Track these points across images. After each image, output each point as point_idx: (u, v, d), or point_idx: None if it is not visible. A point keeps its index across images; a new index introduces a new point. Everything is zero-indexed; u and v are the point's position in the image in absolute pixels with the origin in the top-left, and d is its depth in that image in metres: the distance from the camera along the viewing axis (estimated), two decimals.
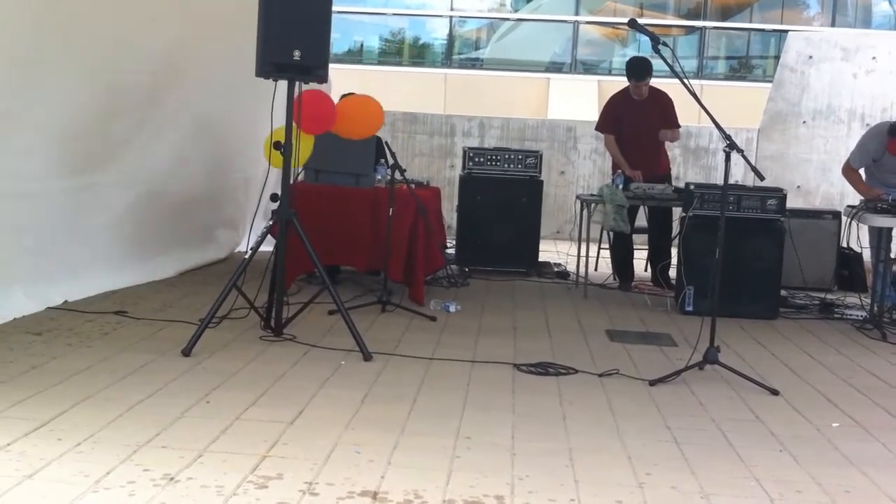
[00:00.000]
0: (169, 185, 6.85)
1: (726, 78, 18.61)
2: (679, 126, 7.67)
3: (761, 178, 4.88)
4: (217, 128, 7.25)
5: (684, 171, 10.62)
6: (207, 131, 7.17)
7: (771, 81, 11.38)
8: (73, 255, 5.82)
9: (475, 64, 18.96)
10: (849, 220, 6.56)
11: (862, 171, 6.98)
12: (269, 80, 4.97)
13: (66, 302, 5.59)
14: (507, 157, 8.04)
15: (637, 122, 7.50)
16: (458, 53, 19.14)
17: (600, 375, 4.70)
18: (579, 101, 16.30)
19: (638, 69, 7.42)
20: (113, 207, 6.26)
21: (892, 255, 6.40)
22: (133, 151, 6.36)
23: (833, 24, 17.94)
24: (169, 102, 6.56)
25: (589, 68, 18.49)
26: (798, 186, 10.23)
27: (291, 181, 5.11)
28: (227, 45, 6.54)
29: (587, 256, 7.24)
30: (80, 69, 5.55)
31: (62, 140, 5.59)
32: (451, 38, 18.96)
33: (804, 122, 10.42)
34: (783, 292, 6.89)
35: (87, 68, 5.62)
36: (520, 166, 8.00)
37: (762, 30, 19.02)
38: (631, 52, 17.73)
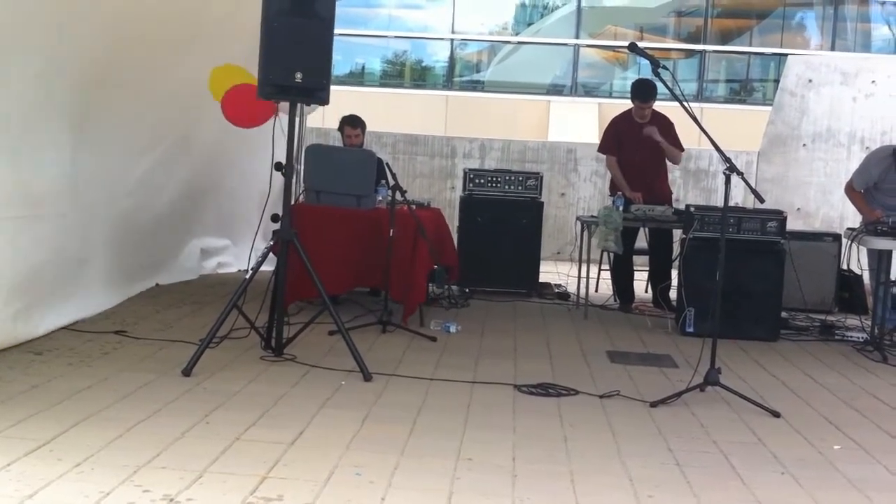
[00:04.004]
0: (153, 201, 6.91)
1: (726, 101, 18.69)
2: (682, 148, 7.68)
3: (761, 200, 4.89)
4: (202, 146, 7.32)
5: (684, 194, 10.66)
6: (194, 150, 7.25)
7: (771, 105, 11.43)
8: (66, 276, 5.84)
9: (476, 86, 19.05)
10: (849, 242, 6.57)
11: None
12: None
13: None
14: (507, 178, 8.06)
15: (638, 145, 7.51)
16: (459, 76, 19.23)
17: (601, 397, 4.69)
18: (579, 123, 16.37)
19: (644, 90, 7.42)
20: (99, 224, 6.28)
21: (893, 278, 6.40)
22: (120, 167, 6.41)
23: (833, 48, 18.04)
24: (157, 119, 6.61)
25: (589, 91, 18.58)
26: (798, 209, 10.25)
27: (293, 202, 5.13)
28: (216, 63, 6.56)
29: (588, 277, 7.24)
30: (69, 85, 5.60)
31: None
32: (452, 60, 19.05)
33: (804, 145, 10.45)
34: (784, 314, 6.89)
35: (77, 84, 5.67)
36: (520, 188, 8.01)
37: (762, 53, 19.12)
38: (631, 75, 17.81)
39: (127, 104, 6.18)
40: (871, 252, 6.65)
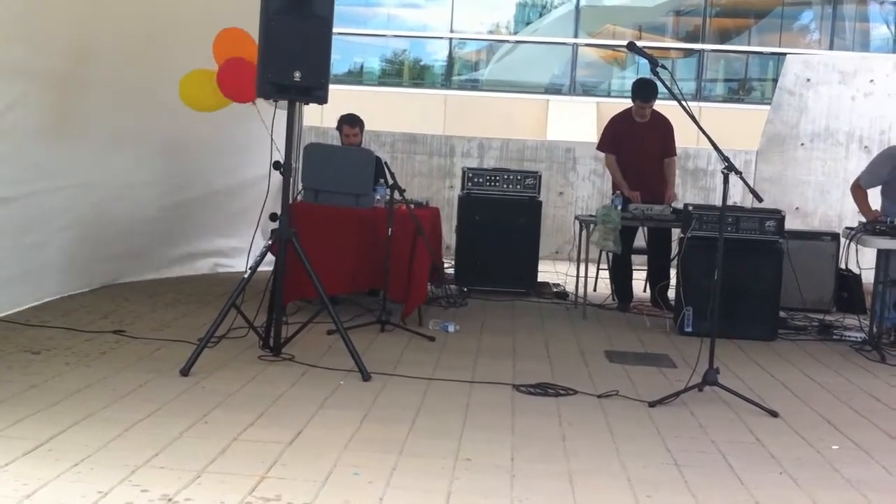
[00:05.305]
0: (138, 194, 6.94)
1: (725, 100, 18.69)
2: (675, 154, 7.71)
3: (760, 199, 4.89)
4: (186, 142, 7.32)
5: (683, 193, 10.64)
6: (185, 149, 7.26)
7: (769, 104, 11.42)
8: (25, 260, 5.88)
9: (475, 85, 19.05)
10: (847, 241, 6.56)
11: (876, 192, 6.95)
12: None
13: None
14: (506, 177, 8.05)
15: (637, 144, 7.51)
16: (457, 75, 19.23)
17: (599, 397, 4.69)
18: (578, 122, 16.37)
19: (645, 90, 7.40)
20: (70, 213, 6.31)
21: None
22: (95, 159, 6.44)
23: (831, 47, 18.04)
24: (135, 115, 6.64)
25: (588, 90, 18.58)
26: (796, 208, 10.25)
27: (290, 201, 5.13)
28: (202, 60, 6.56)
29: (586, 277, 7.24)
30: (46, 75, 5.62)
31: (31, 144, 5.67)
32: (450, 59, 19.05)
33: (802, 144, 10.45)
34: (782, 313, 6.89)
35: (54, 74, 5.69)
36: (519, 187, 8.01)
37: (760, 53, 19.12)
38: (630, 75, 17.84)
39: (102, 98, 6.20)
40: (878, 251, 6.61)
